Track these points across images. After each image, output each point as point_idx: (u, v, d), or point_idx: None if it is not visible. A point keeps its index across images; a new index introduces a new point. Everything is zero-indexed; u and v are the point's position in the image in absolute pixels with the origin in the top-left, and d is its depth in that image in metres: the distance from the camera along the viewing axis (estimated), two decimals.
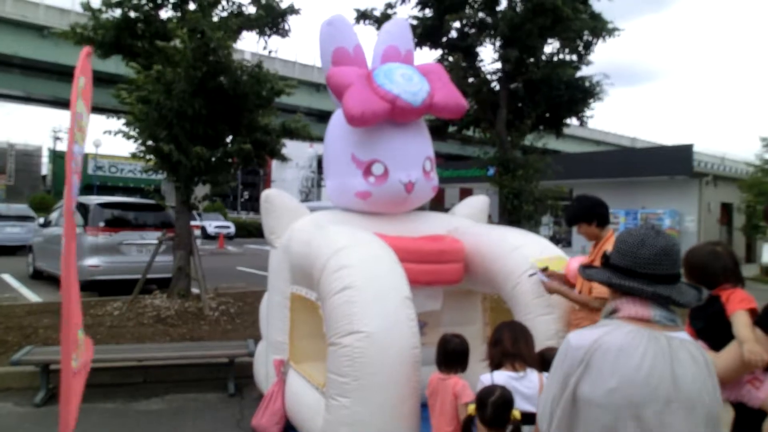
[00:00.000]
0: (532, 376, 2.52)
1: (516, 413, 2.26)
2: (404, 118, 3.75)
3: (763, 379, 2.00)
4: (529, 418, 2.25)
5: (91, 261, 8.55)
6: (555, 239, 18.19)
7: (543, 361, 2.60)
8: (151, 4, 7.32)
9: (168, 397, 4.48)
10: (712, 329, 2.13)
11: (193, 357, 4.79)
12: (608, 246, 3.04)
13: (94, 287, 8.67)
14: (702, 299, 1.50)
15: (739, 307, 2.07)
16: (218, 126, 6.96)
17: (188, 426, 3.93)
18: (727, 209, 20.35)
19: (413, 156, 3.90)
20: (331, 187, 4.14)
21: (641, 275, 1.45)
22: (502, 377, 2.49)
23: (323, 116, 28.77)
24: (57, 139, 38.92)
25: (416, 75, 3.77)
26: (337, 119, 4.00)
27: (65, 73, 25.63)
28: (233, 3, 7.70)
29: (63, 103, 29.33)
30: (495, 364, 2.61)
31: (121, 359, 4.71)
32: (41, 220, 11.77)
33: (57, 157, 36.67)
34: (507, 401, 2.27)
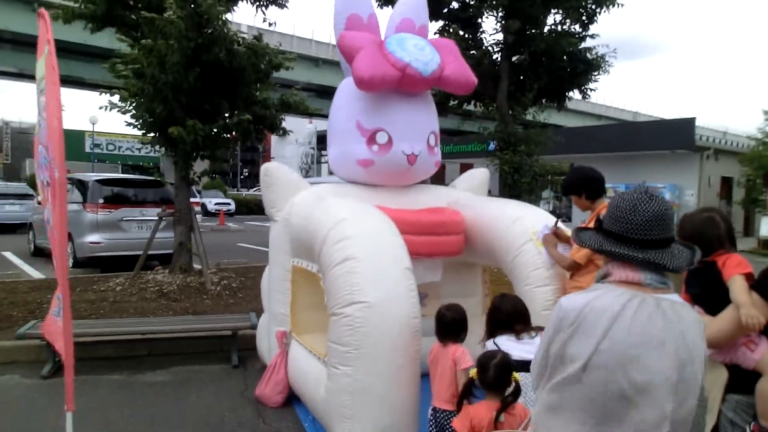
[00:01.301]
0: (537, 339, 2.56)
1: (516, 375, 2.30)
2: (413, 87, 3.71)
3: (758, 342, 2.03)
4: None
5: (92, 237, 8.57)
6: (555, 213, 18.16)
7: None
8: None
9: (173, 369, 4.55)
10: (709, 294, 2.15)
11: (197, 330, 4.85)
12: None
13: (96, 264, 8.71)
14: (694, 262, 1.49)
15: (735, 271, 2.08)
16: (215, 100, 6.89)
17: (193, 396, 4.00)
18: (727, 183, 20.29)
19: (419, 128, 3.87)
20: (334, 155, 4.11)
21: (633, 240, 1.46)
22: (509, 342, 2.56)
23: (322, 91, 28.50)
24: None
25: (429, 47, 3.72)
26: (345, 87, 3.96)
27: (59, 48, 25.17)
28: None
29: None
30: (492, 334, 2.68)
31: (125, 332, 4.76)
32: (39, 197, 11.74)
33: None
34: (507, 364, 2.32)
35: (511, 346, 2.57)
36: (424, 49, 3.66)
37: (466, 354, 2.69)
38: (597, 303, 1.42)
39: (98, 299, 6.21)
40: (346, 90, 3.94)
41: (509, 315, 2.73)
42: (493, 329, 2.74)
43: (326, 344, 3.03)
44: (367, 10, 3.95)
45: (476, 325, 3.39)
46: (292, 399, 3.76)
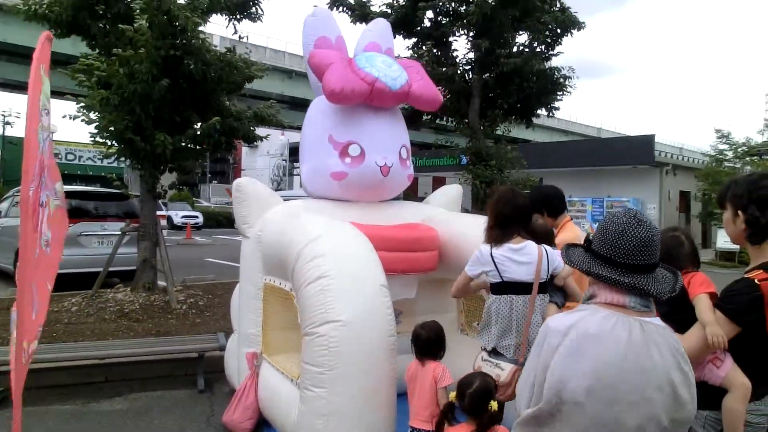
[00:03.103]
0: (531, 247, 2.59)
1: (494, 404, 2.28)
2: (382, 101, 3.80)
3: (723, 359, 2.08)
4: (524, 287, 2.54)
5: (60, 253, 8.17)
6: None
7: (535, 236, 2.73)
8: None
9: (132, 396, 4.32)
10: (677, 312, 2.18)
11: (160, 352, 4.63)
12: (564, 233, 3.20)
13: None
14: (676, 290, 1.53)
15: (700, 290, 2.14)
16: (185, 112, 6.73)
17: (155, 425, 3.79)
18: (685, 197, 21.13)
19: (390, 141, 3.91)
20: (306, 170, 4.08)
21: (620, 264, 1.49)
22: (501, 250, 2.58)
23: (294, 103, 28.38)
24: (7, 124, 36.74)
25: (396, 64, 3.89)
26: (316, 105, 4.06)
27: (15, 54, 24.04)
28: None
29: (13, 86, 27.70)
30: (495, 241, 2.66)
31: (80, 357, 4.45)
32: None
33: (8, 143, 34.78)
34: (486, 392, 2.28)
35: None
36: (392, 66, 3.82)
37: (446, 372, 2.67)
38: (583, 325, 1.45)
39: (51, 321, 5.79)
40: (317, 108, 4.02)
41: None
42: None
43: (299, 365, 2.93)
44: (334, 32, 4.10)
45: (452, 341, 3.34)
46: (262, 425, 3.59)
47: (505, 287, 2.57)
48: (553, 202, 3.38)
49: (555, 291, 2.72)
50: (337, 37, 4.07)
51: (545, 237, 2.82)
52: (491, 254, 2.58)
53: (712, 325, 1.99)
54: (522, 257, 2.56)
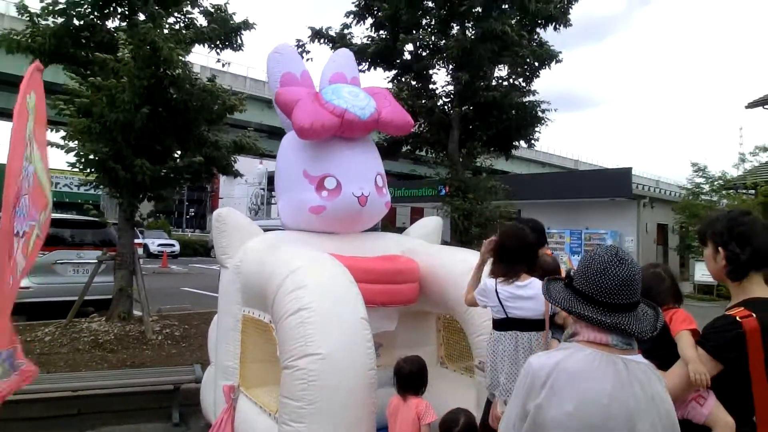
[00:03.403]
0: (536, 284, 2.51)
1: None
2: (352, 132, 3.82)
3: (706, 397, 2.06)
4: (529, 324, 2.45)
5: (20, 282, 7.96)
6: None
7: (542, 271, 2.66)
8: (97, 13, 7.05)
9: (106, 429, 4.20)
10: (659, 349, 2.18)
11: (134, 384, 4.52)
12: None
13: (22, 310, 8.02)
14: (657, 328, 1.53)
15: (682, 327, 2.13)
16: (166, 141, 6.73)
17: None
18: (662, 230, 21.32)
19: (365, 170, 3.93)
20: (283, 205, 4.07)
21: (601, 303, 1.49)
22: (508, 287, 2.51)
23: (273, 132, 28.43)
24: None
25: (363, 93, 3.90)
26: (288, 140, 4.05)
27: None
28: (184, 15, 7.53)
29: None
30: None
31: (52, 389, 4.34)
32: None
33: None
34: (472, 427, 2.28)
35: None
36: (359, 95, 3.84)
37: (429, 408, 2.66)
38: (567, 364, 1.44)
39: (23, 351, 5.68)
40: (288, 144, 4.02)
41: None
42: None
43: (277, 399, 2.89)
44: (299, 67, 4.12)
45: (433, 376, 3.33)
46: None
47: (509, 323, 2.50)
48: (536, 236, 3.44)
49: (556, 329, 2.65)
50: (302, 72, 4.09)
51: (554, 273, 2.73)
52: (496, 290, 2.53)
53: (695, 362, 1.97)
54: (527, 291, 2.51)
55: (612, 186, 18.78)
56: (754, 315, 1.89)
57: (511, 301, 2.48)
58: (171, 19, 7.27)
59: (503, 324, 2.51)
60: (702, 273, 16.18)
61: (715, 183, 18.86)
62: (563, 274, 1.80)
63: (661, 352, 2.12)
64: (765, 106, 18.67)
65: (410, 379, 2.74)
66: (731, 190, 18.38)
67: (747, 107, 19.15)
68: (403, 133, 4.15)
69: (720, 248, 2.04)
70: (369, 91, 4.00)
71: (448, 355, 4.36)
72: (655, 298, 2.21)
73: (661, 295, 2.27)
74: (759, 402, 1.91)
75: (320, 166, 3.79)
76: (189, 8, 7.58)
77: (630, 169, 19.25)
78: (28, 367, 2.89)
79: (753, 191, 16.81)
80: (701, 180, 19.21)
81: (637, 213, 19.52)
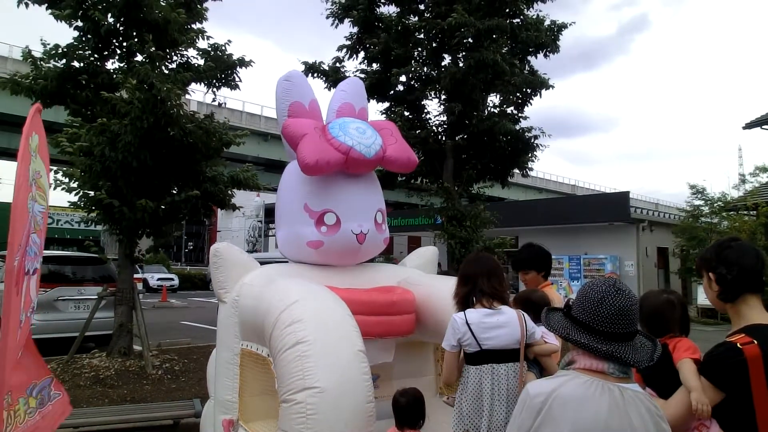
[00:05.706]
0: (507, 311, 2.49)
1: None
2: (357, 169, 3.82)
3: (709, 425, 2.04)
4: (504, 354, 2.40)
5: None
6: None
7: (529, 304, 2.69)
8: (96, 55, 7.26)
9: None
10: (659, 376, 2.18)
11: (135, 420, 4.53)
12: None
13: None
14: (654, 359, 1.57)
15: (685, 355, 2.13)
16: (164, 177, 6.85)
17: None
18: (663, 253, 21.12)
19: (365, 207, 3.94)
20: (282, 237, 4.11)
21: (598, 332, 1.53)
22: (477, 314, 2.49)
23: (270, 165, 28.70)
24: None
25: (370, 129, 3.87)
26: (291, 170, 4.02)
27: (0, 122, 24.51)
28: (182, 55, 7.75)
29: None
30: (464, 304, 2.59)
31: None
32: None
33: None
34: (417, 403, 2.26)
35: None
36: (366, 132, 3.80)
37: None
38: (563, 391, 1.48)
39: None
40: (292, 173, 4.00)
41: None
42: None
43: None
44: (308, 96, 4.10)
45: (430, 406, 3.34)
46: None
47: (484, 356, 2.43)
48: (548, 261, 3.46)
49: (531, 363, 2.61)
50: (311, 102, 4.06)
51: (542, 308, 2.65)
52: (466, 320, 2.47)
53: (698, 391, 1.95)
54: (500, 319, 2.48)
55: (610, 210, 18.75)
56: (756, 342, 1.88)
57: (484, 332, 2.45)
58: (168, 60, 7.47)
59: (478, 357, 2.45)
60: (704, 297, 15.99)
61: (715, 204, 18.65)
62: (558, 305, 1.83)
63: (661, 380, 2.13)
64: (763, 126, 18.61)
65: (407, 412, 2.74)
66: (732, 212, 18.16)
67: (744, 128, 19.15)
68: (406, 171, 4.12)
69: (710, 273, 2.08)
70: (376, 126, 3.95)
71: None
72: (665, 326, 2.24)
73: (670, 323, 2.30)
74: (764, 430, 1.88)
75: (321, 201, 3.79)
76: (184, 50, 7.79)
77: (627, 192, 19.29)
78: (63, 398, 2.92)
79: (754, 212, 16.67)
80: (700, 202, 19.03)
81: (637, 237, 19.42)
